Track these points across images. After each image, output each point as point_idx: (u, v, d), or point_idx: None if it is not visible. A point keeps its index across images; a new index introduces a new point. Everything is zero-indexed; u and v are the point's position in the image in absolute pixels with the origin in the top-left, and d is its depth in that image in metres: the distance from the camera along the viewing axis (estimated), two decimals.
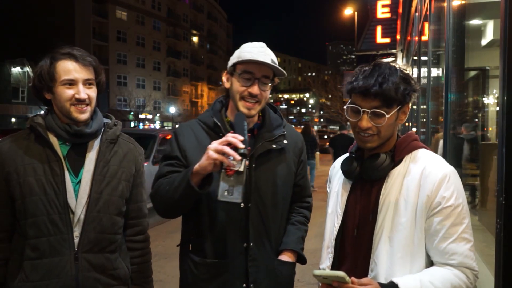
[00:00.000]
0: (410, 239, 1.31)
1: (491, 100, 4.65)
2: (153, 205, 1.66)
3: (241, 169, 1.42)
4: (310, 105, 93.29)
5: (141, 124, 44.41)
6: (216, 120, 1.69)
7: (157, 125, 49.31)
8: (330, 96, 40.57)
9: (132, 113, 44.28)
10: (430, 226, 1.30)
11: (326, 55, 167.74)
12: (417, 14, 6.41)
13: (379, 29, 15.34)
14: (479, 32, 4.31)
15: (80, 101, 1.54)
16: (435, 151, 2.36)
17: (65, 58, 1.54)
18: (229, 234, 1.62)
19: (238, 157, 1.39)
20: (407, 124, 7.49)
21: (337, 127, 40.13)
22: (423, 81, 5.17)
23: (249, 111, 1.62)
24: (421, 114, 5.75)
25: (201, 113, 1.83)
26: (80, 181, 1.56)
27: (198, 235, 1.67)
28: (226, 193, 1.44)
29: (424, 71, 5.22)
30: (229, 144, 1.41)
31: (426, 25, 4.85)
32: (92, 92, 1.59)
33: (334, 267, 1.46)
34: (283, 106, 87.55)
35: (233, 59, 1.66)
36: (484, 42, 4.29)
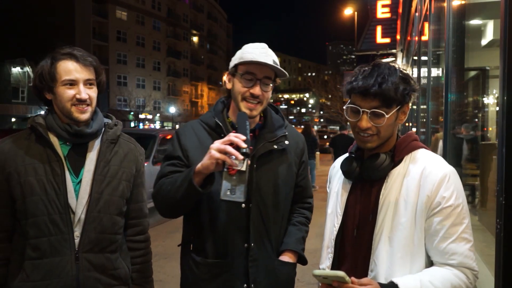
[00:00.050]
0: (410, 239, 1.31)
1: (491, 100, 4.64)
2: (154, 205, 1.67)
3: (244, 168, 1.43)
4: (310, 105, 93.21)
5: (141, 124, 44.37)
6: (218, 120, 1.69)
7: (157, 125, 49.26)
8: (330, 96, 40.52)
9: (132, 113, 44.24)
10: (430, 226, 1.30)
11: (326, 55, 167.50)
12: (417, 14, 6.41)
13: (379, 29, 15.35)
14: (479, 32, 4.31)
15: (81, 101, 1.54)
16: (435, 151, 2.36)
17: (66, 58, 1.54)
18: (230, 234, 1.63)
19: (241, 157, 1.40)
20: (407, 124, 7.49)
21: (337, 127, 40.06)
22: (423, 81, 5.17)
23: (251, 111, 1.62)
24: (421, 114, 5.75)
25: (202, 114, 1.83)
26: (80, 181, 1.56)
27: (199, 235, 1.67)
28: (228, 192, 1.45)
29: (424, 71, 5.22)
30: (231, 144, 1.42)
31: (426, 25, 4.85)
32: (93, 92, 1.59)
33: (334, 267, 1.46)
34: (283, 106, 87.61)
35: (234, 60, 1.66)
36: (484, 42, 4.29)
